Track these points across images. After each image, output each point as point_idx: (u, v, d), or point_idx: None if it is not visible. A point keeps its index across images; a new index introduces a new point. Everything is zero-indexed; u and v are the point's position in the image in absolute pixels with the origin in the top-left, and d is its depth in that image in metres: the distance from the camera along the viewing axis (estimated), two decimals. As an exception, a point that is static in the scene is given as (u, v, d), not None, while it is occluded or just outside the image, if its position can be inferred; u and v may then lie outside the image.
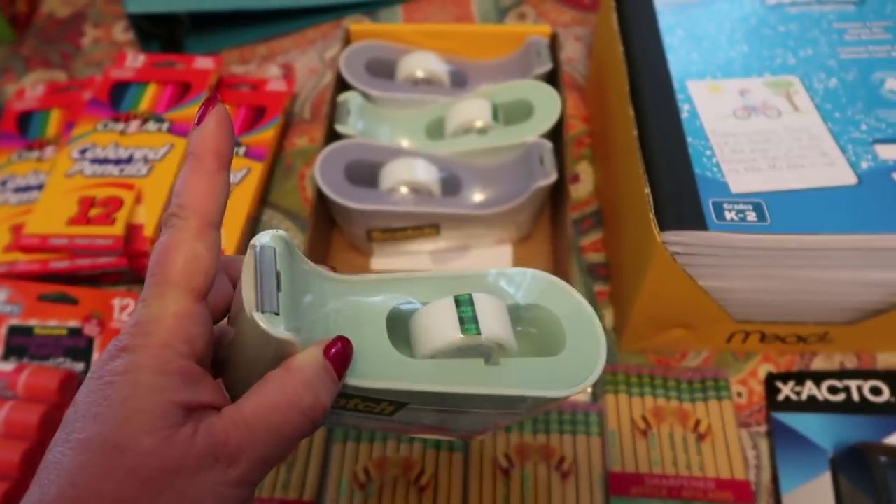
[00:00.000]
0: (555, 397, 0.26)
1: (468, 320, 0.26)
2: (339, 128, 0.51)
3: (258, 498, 0.41)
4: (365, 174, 0.50)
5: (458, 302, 0.27)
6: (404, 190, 0.49)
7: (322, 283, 0.27)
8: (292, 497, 0.41)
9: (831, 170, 0.42)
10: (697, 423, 0.44)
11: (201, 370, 0.23)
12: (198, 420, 0.22)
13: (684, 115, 0.45)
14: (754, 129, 0.44)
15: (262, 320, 0.23)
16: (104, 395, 0.21)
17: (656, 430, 0.43)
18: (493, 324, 0.27)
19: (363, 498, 0.41)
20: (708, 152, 0.43)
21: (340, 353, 0.24)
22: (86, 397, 0.21)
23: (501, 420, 0.30)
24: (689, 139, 0.43)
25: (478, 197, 0.51)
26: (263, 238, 0.24)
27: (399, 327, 0.28)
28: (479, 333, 0.26)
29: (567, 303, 0.29)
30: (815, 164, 0.42)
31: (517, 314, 0.29)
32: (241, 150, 0.56)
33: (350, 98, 0.53)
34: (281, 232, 0.25)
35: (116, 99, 0.58)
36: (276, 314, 0.23)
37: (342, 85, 0.55)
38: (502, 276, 0.29)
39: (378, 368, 0.25)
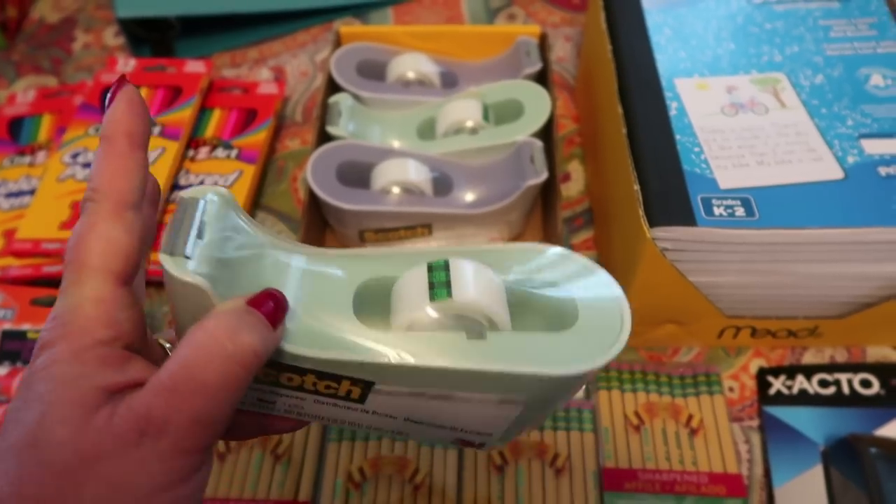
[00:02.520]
0: (553, 376, 0.23)
1: (439, 285, 0.23)
2: (331, 129, 0.52)
3: (253, 499, 0.41)
4: (357, 175, 0.50)
5: (430, 268, 0.24)
6: (396, 190, 0.49)
7: (279, 252, 0.25)
8: (287, 497, 0.41)
9: (818, 165, 0.42)
10: (690, 418, 0.44)
11: (128, 353, 0.22)
12: (119, 400, 0.20)
13: (672, 112, 0.45)
14: (742, 125, 0.45)
15: (167, 261, 0.21)
16: (24, 397, 0.20)
17: (649, 425, 0.44)
18: (472, 289, 0.23)
19: (358, 497, 0.41)
20: (696, 149, 0.43)
21: (268, 303, 0.22)
22: (12, 404, 0.21)
23: (502, 415, 0.26)
24: (677, 136, 0.44)
25: (469, 196, 0.51)
26: (195, 191, 0.23)
27: (383, 304, 0.25)
28: (449, 296, 0.23)
29: (588, 279, 0.26)
30: (802, 160, 0.43)
31: (525, 294, 0.25)
32: (234, 152, 0.57)
33: (341, 100, 0.53)
34: (221, 189, 0.23)
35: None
36: (188, 258, 0.21)
37: (333, 87, 0.55)
38: (512, 251, 0.26)
39: (336, 340, 0.23)
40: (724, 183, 0.41)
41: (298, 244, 0.26)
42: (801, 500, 0.42)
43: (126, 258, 0.22)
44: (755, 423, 0.46)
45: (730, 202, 0.40)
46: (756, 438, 0.45)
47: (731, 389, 0.47)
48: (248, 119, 0.59)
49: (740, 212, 0.40)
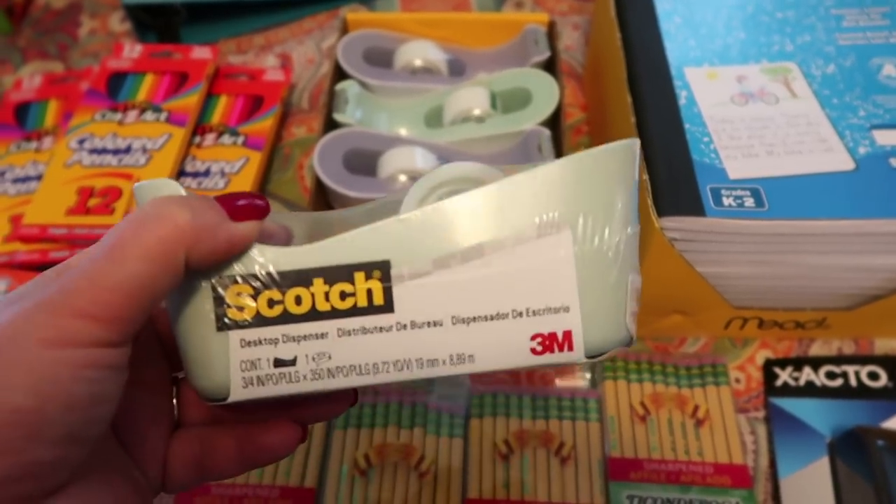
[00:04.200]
0: (577, 156, 0.21)
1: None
2: (338, 117, 0.51)
3: (259, 484, 0.41)
4: (364, 163, 0.50)
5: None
6: (403, 178, 0.49)
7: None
8: (293, 484, 0.41)
9: (829, 155, 0.42)
10: (696, 408, 0.44)
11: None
12: None
13: (682, 101, 0.45)
14: (752, 115, 0.44)
15: (141, 189, 0.21)
16: None
17: (655, 415, 0.44)
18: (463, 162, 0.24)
19: (364, 484, 0.41)
20: (705, 139, 0.43)
21: (238, 197, 0.21)
22: None
23: (556, 260, 0.21)
24: (686, 126, 0.43)
25: (476, 185, 0.51)
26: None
27: None
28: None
29: None
30: (812, 150, 0.42)
31: None
32: (240, 139, 0.56)
33: (348, 87, 0.53)
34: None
35: (114, 89, 0.57)
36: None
37: (340, 74, 0.55)
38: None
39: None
40: (733, 173, 0.41)
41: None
42: (806, 491, 0.42)
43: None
44: (761, 414, 0.46)
45: (739, 192, 0.40)
46: (762, 430, 0.45)
47: (737, 380, 0.47)
48: (254, 106, 0.59)
49: (750, 202, 0.40)
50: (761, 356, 0.48)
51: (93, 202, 0.50)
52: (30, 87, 0.62)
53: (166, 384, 0.25)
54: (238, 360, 0.21)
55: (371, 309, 0.21)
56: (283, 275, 0.21)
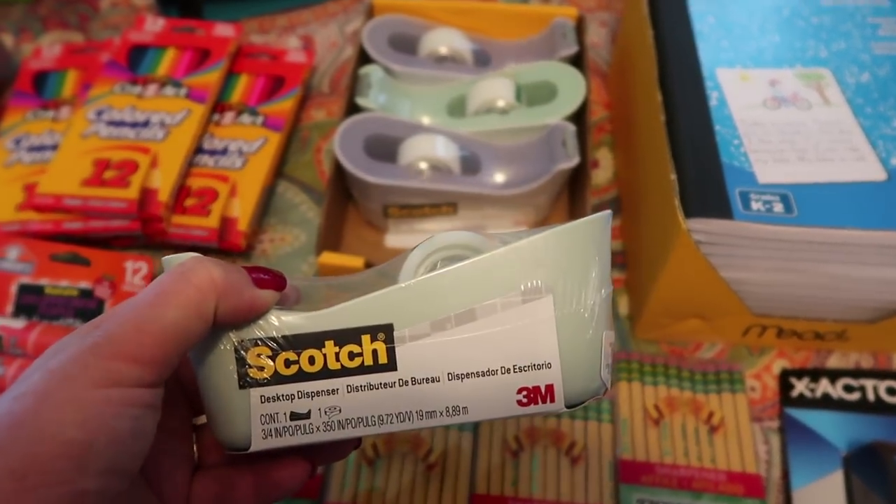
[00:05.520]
0: (561, 228, 0.24)
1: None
2: (360, 101, 0.51)
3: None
4: (384, 149, 0.49)
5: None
6: (423, 166, 0.48)
7: None
8: (299, 469, 0.41)
9: (861, 165, 0.41)
10: (710, 414, 0.43)
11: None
12: None
13: (713, 102, 0.44)
14: (784, 119, 0.43)
15: (169, 261, 0.23)
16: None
17: (669, 419, 0.43)
18: (455, 232, 0.26)
19: (371, 473, 0.41)
20: (736, 141, 0.42)
21: (260, 270, 0.24)
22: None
23: (539, 323, 0.24)
24: (716, 127, 0.43)
25: (497, 177, 0.50)
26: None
27: None
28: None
29: None
30: (844, 159, 0.41)
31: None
32: (259, 119, 0.56)
33: (372, 71, 0.52)
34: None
35: (134, 62, 0.57)
36: None
37: (364, 58, 0.54)
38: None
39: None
40: (762, 177, 0.40)
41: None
42: (819, 504, 0.41)
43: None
44: (775, 424, 0.45)
45: (768, 197, 0.39)
46: (776, 440, 0.44)
47: (752, 389, 0.46)
48: (275, 86, 0.58)
49: (778, 208, 0.39)
50: (778, 365, 0.47)
51: (108, 174, 0.50)
52: (49, 56, 0.61)
53: (188, 429, 0.27)
54: (258, 414, 0.23)
55: (376, 367, 0.23)
56: (299, 338, 0.23)
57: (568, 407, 0.24)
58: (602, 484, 0.41)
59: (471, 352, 0.23)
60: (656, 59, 0.46)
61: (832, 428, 0.44)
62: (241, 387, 0.23)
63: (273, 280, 0.24)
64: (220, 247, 0.50)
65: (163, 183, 0.50)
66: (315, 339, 0.23)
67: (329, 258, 0.45)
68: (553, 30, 0.56)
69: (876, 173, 0.40)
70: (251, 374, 0.23)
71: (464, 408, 0.24)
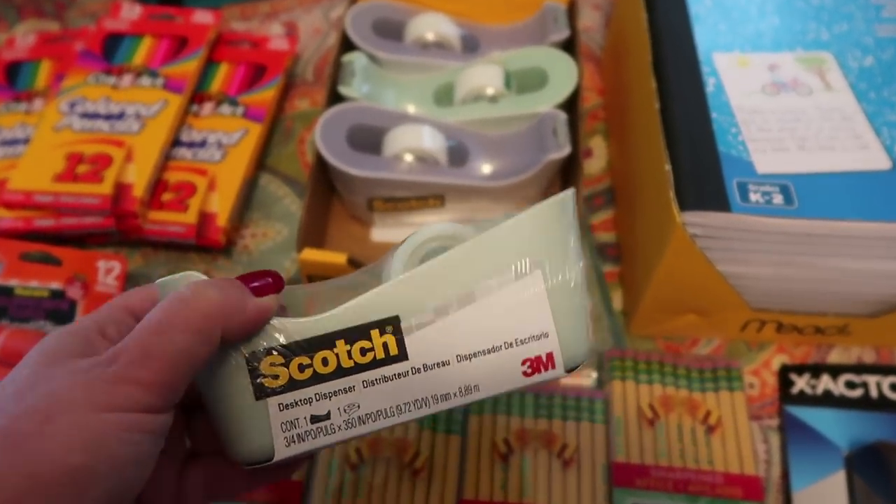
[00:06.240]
0: (550, 202, 0.25)
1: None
2: (343, 90, 0.49)
3: (244, 475, 0.39)
4: (368, 140, 0.47)
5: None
6: (409, 158, 0.46)
7: None
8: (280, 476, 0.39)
9: (864, 153, 0.39)
10: (707, 414, 0.42)
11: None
12: None
13: (709, 89, 0.42)
14: (783, 106, 0.42)
15: (163, 278, 0.23)
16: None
17: (664, 419, 0.41)
18: (437, 225, 0.27)
19: (354, 479, 0.39)
20: (733, 129, 0.40)
21: (262, 278, 0.24)
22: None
23: (534, 296, 0.25)
24: (713, 115, 0.41)
25: (486, 168, 0.48)
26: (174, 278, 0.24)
27: None
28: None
29: None
30: (846, 147, 0.40)
31: None
32: (240, 110, 0.54)
33: (355, 59, 0.50)
34: (196, 275, 0.24)
35: (109, 51, 0.55)
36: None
37: (347, 45, 0.52)
38: None
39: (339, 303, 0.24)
40: (761, 167, 0.39)
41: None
42: (820, 506, 0.39)
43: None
44: (775, 422, 0.43)
45: (767, 188, 0.38)
46: (775, 439, 0.43)
47: (751, 386, 0.45)
48: (256, 75, 0.56)
49: (778, 199, 0.37)
50: (777, 361, 0.46)
51: (81, 169, 0.48)
52: (23, 45, 0.59)
53: (180, 423, 0.27)
54: (279, 422, 0.24)
55: (388, 359, 0.24)
56: (310, 341, 0.24)
57: (567, 371, 0.26)
58: (595, 487, 0.39)
59: (475, 332, 0.25)
60: (650, 44, 0.44)
61: (834, 426, 0.42)
62: (258, 398, 0.23)
63: (271, 284, 0.24)
64: (199, 243, 0.48)
65: (138, 177, 0.48)
66: (326, 341, 0.24)
67: (311, 255, 0.43)
68: (544, 14, 0.54)
69: (880, 162, 0.39)
70: (266, 384, 0.23)
71: (475, 386, 0.25)
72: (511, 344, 0.25)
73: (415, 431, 0.41)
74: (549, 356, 0.25)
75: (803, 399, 0.44)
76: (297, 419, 0.24)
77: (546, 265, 0.25)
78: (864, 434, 0.41)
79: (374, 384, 0.24)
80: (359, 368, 0.24)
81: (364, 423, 0.24)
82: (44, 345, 0.22)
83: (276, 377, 0.23)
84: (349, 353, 0.24)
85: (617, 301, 0.48)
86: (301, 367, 0.24)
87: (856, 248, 0.38)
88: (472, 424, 0.41)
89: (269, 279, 0.24)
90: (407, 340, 0.24)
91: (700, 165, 0.38)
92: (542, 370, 0.25)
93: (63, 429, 0.19)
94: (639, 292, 0.44)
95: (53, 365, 0.21)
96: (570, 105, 0.49)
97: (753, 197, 0.37)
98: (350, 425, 0.24)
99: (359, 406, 0.24)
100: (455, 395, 0.25)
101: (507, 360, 0.25)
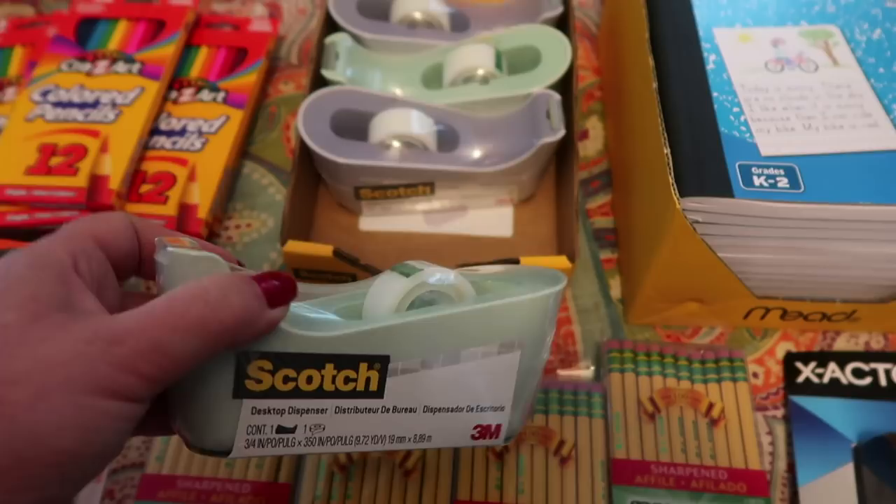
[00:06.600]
0: (540, 296, 0.26)
1: (410, 270, 0.26)
2: (326, 73, 0.47)
3: (229, 479, 0.38)
4: (353, 125, 0.45)
5: (394, 268, 0.27)
6: (396, 144, 0.44)
7: None
8: (266, 479, 0.38)
9: (873, 132, 0.37)
10: (710, 406, 0.40)
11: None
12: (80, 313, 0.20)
13: (710, 66, 0.40)
14: (788, 84, 0.39)
15: (174, 248, 0.22)
16: None
17: (665, 413, 0.40)
18: (437, 269, 0.26)
19: (344, 481, 0.38)
20: (735, 109, 0.38)
21: (271, 281, 0.22)
22: None
23: (506, 371, 0.27)
24: (714, 94, 0.39)
25: (477, 153, 0.46)
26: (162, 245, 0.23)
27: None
28: (421, 270, 0.26)
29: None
30: (855, 126, 0.38)
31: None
32: (220, 95, 0.52)
33: (339, 40, 0.48)
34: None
35: (83, 36, 0.52)
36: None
37: (331, 26, 0.50)
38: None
39: (336, 326, 0.24)
40: (765, 149, 0.37)
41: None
42: (828, 500, 0.38)
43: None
44: (780, 412, 0.42)
45: (772, 171, 0.36)
46: (780, 430, 0.41)
47: (755, 375, 0.43)
48: (237, 59, 0.54)
49: (783, 182, 0.35)
50: (782, 349, 0.44)
51: (55, 161, 0.46)
52: (-6, 31, 0.57)
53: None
54: (246, 424, 0.24)
55: (366, 393, 0.25)
56: (302, 357, 0.24)
57: (504, 441, 0.28)
58: (594, 486, 0.38)
59: (447, 390, 0.26)
60: (647, 19, 0.42)
61: (841, 417, 0.40)
62: (235, 396, 0.23)
63: (286, 294, 0.23)
64: (180, 236, 0.46)
65: (114, 169, 0.46)
66: (317, 361, 0.24)
67: (295, 247, 0.41)
68: (536, -11, 0.52)
69: (890, 141, 0.37)
70: (248, 386, 0.23)
71: (429, 437, 0.27)
72: (473, 409, 0.27)
73: (406, 430, 0.39)
74: (497, 427, 0.28)
75: (809, 388, 0.42)
76: (264, 426, 0.24)
77: (526, 348, 0.27)
78: (873, 424, 0.40)
79: (344, 412, 0.25)
80: (337, 394, 0.24)
81: (323, 444, 0.25)
82: (21, 280, 0.20)
83: (259, 381, 0.23)
84: (334, 378, 0.24)
85: (615, 289, 0.47)
86: (286, 379, 0.24)
87: (866, 232, 0.36)
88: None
89: (286, 288, 0.23)
90: (388, 381, 0.25)
91: (700, 148, 0.36)
92: (487, 437, 0.28)
93: (57, 408, 0.18)
94: (637, 280, 0.42)
95: (39, 318, 0.19)
96: (565, 85, 0.47)
97: (757, 181, 0.35)
98: (311, 443, 0.25)
99: (324, 428, 0.25)
100: (409, 440, 0.26)
101: (463, 422, 0.27)
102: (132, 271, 0.25)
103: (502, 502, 0.37)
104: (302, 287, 0.27)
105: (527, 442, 0.39)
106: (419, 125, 0.45)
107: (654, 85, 0.39)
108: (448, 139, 0.46)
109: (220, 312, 0.20)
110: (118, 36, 0.52)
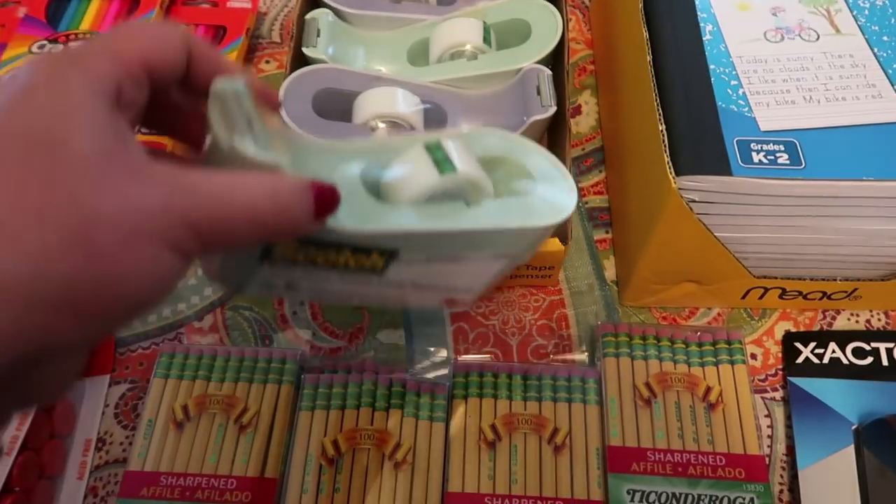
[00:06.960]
0: (539, 226, 0.27)
1: (442, 161, 0.26)
2: (308, 51, 0.45)
3: (214, 474, 0.37)
4: (336, 106, 0.44)
5: (428, 148, 0.27)
6: (381, 124, 0.43)
7: (284, 140, 0.25)
8: (252, 474, 0.37)
9: (877, 103, 0.36)
10: (708, 390, 0.39)
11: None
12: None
13: (706, 37, 0.38)
14: (788, 54, 0.38)
15: (241, 143, 0.21)
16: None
17: (661, 398, 0.39)
18: (467, 164, 0.27)
19: (332, 474, 0.37)
20: (733, 82, 0.37)
21: (326, 191, 0.23)
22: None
23: (493, 269, 0.29)
24: (711, 66, 0.37)
25: (465, 131, 0.44)
26: (226, 83, 0.22)
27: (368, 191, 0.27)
28: (455, 171, 0.26)
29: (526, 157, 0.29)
30: (858, 97, 0.36)
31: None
32: (198, 76, 0.50)
33: (320, 16, 0.46)
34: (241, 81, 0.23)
35: (54, 16, 0.50)
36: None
37: (312, 2, 0.48)
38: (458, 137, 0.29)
39: (365, 217, 0.25)
40: (765, 124, 0.35)
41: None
42: (828, 484, 0.37)
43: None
44: (779, 394, 0.41)
45: (771, 147, 0.34)
46: (779, 412, 0.40)
47: (753, 356, 0.42)
48: (216, 37, 0.52)
49: (783, 159, 0.34)
50: (780, 329, 0.43)
51: (27, 147, 0.44)
52: (-37, 12, 0.55)
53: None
54: (262, 278, 0.26)
55: (370, 270, 0.27)
56: (326, 242, 0.25)
57: (467, 307, 0.33)
58: (589, 474, 0.37)
59: (437, 276, 0.29)
60: (640, -11, 0.40)
61: (842, 398, 0.39)
62: (261, 259, 0.25)
63: (331, 208, 0.23)
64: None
65: (89, 154, 0.44)
66: (338, 246, 0.25)
67: (278, 233, 0.40)
68: (525, -41, 0.49)
69: (895, 113, 0.35)
70: (274, 254, 0.25)
71: (406, 300, 0.30)
72: (451, 289, 0.30)
73: (396, 421, 0.38)
74: (465, 300, 0.31)
75: (809, 369, 0.41)
76: (276, 283, 0.27)
77: (515, 257, 0.29)
78: (875, 405, 0.39)
79: (349, 282, 0.27)
80: (347, 269, 0.26)
81: (320, 296, 0.30)
82: (82, 106, 0.19)
83: (283, 254, 0.25)
84: (348, 259, 0.26)
85: (609, 270, 0.45)
86: (307, 254, 0.25)
87: (870, 208, 0.34)
88: (455, 410, 0.38)
89: (333, 203, 0.23)
90: (392, 265, 0.27)
91: (697, 124, 0.35)
92: (454, 305, 0.31)
93: (140, 257, 0.19)
94: (632, 261, 0.41)
95: (114, 155, 0.19)
96: (556, 59, 0.45)
97: (756, 157, 0.34)
98: (311, 296, 0.29)
99: (324, 287, 0.28)
100: (391, 300, 0.30)
101: (439, 295, 0.30)
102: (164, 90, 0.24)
103: (495, 493, 0.36)
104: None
105: (520, 430, 0.38)
106: (405, 104, 0.43)
107: (649, 58, 0.37)
108: (435, 117, 0.44)
109: (283, 218, 0.21)
110: (91, 15, 0.50)
